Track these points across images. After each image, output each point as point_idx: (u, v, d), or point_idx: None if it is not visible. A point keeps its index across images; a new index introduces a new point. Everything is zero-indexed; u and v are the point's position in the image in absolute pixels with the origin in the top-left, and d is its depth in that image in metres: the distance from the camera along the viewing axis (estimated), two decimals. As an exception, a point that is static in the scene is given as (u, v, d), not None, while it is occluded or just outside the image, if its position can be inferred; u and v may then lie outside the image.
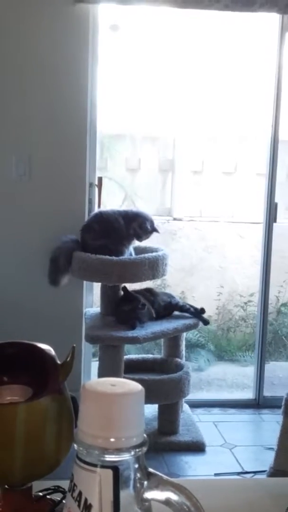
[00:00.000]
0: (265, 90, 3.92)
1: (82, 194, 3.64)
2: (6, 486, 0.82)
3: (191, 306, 3.60)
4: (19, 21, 3.47)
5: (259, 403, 4.02)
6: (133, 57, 5.25)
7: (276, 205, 3.93)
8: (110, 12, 3.99)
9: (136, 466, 0.56)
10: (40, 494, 0.85)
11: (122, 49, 5.10)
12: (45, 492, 0.85)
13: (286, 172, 5.18)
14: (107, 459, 0.54)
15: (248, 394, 4.19)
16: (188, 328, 3.53)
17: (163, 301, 3.55)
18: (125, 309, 3.38)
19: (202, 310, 3.57)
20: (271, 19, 3.77)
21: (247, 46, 5.17)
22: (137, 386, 0.57)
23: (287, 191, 5.20)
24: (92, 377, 3.78)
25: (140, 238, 3.46)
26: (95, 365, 3.68)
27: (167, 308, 3.53)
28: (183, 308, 3.56)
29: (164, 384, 3.33)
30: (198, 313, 3.55)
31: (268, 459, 3.02)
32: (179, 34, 5.14)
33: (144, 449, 0.56)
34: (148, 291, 3.60)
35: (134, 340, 3.30)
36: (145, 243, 3.58)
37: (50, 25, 3.49)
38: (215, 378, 4.75)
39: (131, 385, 0.57)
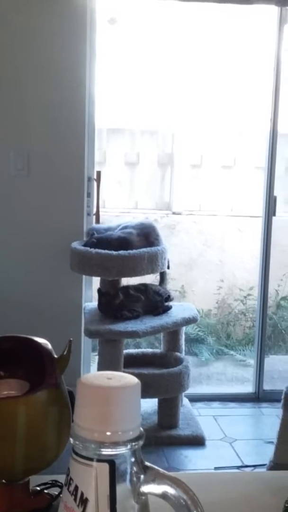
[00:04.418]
0: (264, 83, 3.91)
1: (81, 188, 3.63)
2: (3, 481, 0.81)
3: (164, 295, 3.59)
4: (16, 15, 3.45)
5: (259, 397, 4.03)
6: (131, 50, 5.23)
7: (275, 198, 3.92)
8: (108, 5, 3.97)
9: (133, 459, 0.55)
10: (38, 488, 0.84)
11: (120, 43, 5.08)
12: (42, 487, 0.85)
13: (285, 166, 5.17)
14: (103, 452, 0.54)
15: (248, 388, 4.20)
16: (187, 322, 3.53)
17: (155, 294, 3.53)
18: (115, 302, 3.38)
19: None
20: (269, 11, 3.75)
21: (246, 39, 5.15)
22: (133, 380, 0.56)
23: (286, 185, 5.19)
24: (91, 371, 3.78)
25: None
26: (94, 359, 3.68)
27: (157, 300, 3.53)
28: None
29: (164, 378, 3.33)
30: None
31: (268, 453, 3.02)
32: (177, 27, 5.13)
33: (141, 442, 0.55)
34: (144, 286, 3.59)
35: (133, 335, 3.30)
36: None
37: (47, 19, 3.47)
38: (215, 372, 4.75)
39: (127, 379, 0.57)
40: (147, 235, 3.43)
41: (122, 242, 3.35)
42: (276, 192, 3.92)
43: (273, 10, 3.72)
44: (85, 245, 3.41)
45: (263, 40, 4.10)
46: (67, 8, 3.45)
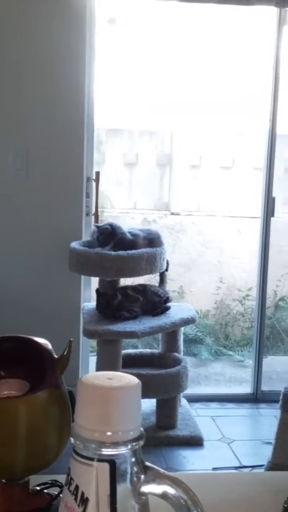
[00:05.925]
0: (263, 84, 3.91)
1: (80, 188, 3.63)
2: (3, 480, 0.81)
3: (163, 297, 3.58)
4: (15, 15, 3.45)
5: (257, 398, 4.03)
6: (131, 50, 5.23)
7: (273, 199, 3.92)
8: (107, 5, 3.97)
9: (133, 459, 0.55)
10: (37, 488, 0.84)
11: (119, 43, 5.08)
12: (42, 487, 0.85)
13: (284, 167, 5.18)
14: (104, 452, 0.54)
15: (246, 388, 4.20)
16: (186, 322, 3.53)
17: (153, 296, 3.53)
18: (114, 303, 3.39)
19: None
20: (269, 12, 3.76)
21: (245, 40, 5.16)
22: (134, 380, 0.57)
23: (285, 185, 5.20)
24: (90, 372, 3.77)
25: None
26: (93, 360, 3.68)
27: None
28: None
29: (162, 378, 3.33)
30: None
31: (266, 454, 3.02)
32: (176, 27, 5.13)
33: (141, 442, 0.55)
34: (142, 286, 3.59)
35: (132, 335, 3.30)
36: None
37: (46, 19, 3.47)
38: (213, 373, 4.75)
39: (128, 379, 0.57)
40: (151, 241, 3.45)
41: (131, 245, 3.37)
42: (274, 193, 3.93)
43: (273, 11, 3.73)
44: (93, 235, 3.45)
45: (262, 41, 4.10)
46: (66, 8, 3.45)
